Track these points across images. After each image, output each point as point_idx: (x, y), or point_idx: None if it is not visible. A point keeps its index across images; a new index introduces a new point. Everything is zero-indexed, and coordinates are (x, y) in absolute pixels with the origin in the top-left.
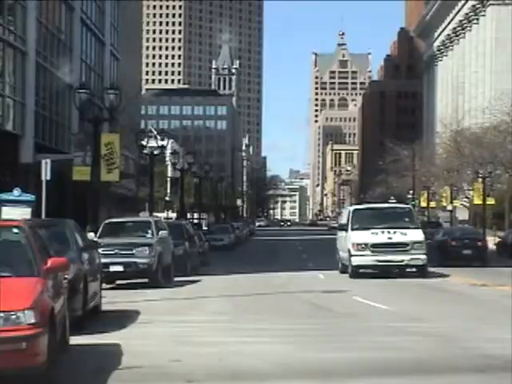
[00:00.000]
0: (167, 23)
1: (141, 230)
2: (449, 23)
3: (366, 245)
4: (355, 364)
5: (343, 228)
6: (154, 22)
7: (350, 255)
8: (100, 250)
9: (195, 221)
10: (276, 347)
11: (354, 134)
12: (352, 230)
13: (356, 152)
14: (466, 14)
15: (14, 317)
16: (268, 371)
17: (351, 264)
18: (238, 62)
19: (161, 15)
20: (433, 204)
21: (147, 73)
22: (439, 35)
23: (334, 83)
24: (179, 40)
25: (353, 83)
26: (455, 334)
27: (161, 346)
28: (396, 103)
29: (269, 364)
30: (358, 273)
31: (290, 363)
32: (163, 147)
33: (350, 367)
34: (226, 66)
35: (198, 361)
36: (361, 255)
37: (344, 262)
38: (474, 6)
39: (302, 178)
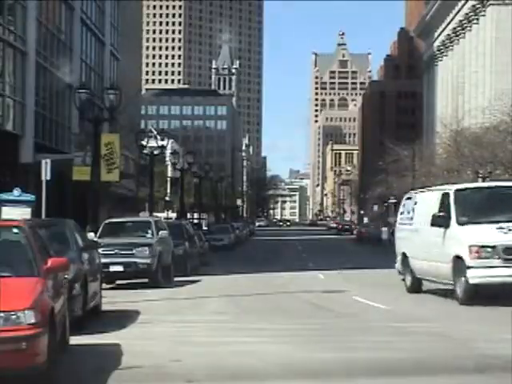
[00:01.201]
0: (167, 23)
1: (141, 230)
2: (449, 23)
3: (493, 248)
4: (355, 364)
5: (437, 222)
6: (154, 22)
7: (465, 267)
8: (100, 250)
9: (195, 221)
10: (276, 347)
11: (354, 134)
12: (460, 223)
13: (356, 152)
14: (466, 14)
15: (14, 317)
16: (268, 371)
17: (466, 281)
18: (237, 62)
19: (161, 15)
20: None
21: (147, 73)
22: (439, 35)
23: (333, 83)
24: (179, 40)
25: (353, 83)
26: (455, 334)
27: (161, 346)
28: (396, 103)
29: (269, 364)
30: (477, 294)
31: (290, 363)
32: (163, 147)
33: (349, 367)
34: (226, 66)
35: (198, 361)
36: (485, 266)
37: (432, 277)
38: (474, 6)
39: (301, 178)
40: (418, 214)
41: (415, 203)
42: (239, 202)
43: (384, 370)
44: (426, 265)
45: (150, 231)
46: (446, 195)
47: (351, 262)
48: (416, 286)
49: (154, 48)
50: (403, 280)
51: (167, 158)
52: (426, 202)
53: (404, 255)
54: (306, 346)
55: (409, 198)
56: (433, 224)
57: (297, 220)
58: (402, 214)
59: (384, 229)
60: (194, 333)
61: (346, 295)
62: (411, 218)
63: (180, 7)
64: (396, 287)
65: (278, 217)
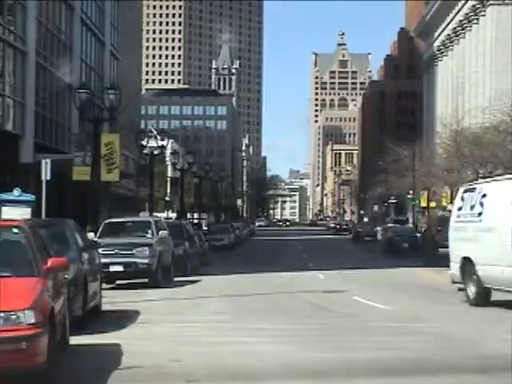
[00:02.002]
0: (167, 23)
1: (141, 230)
2: (449, 23)
3: None
4: (355, 364)
5: None
6: (154, 22)
7: None
8: (100, 250)
9: (195, 221)
10: (276, 347)
11: (354, 134)
12: None
13: (356, 152)
14: (466, 14)
15: (14, 317)
16: (268, 371)
17: None
18: (238, 62)
19: (161, 15)
20: (433, 204)
21: (147, 73)
22: (439, 35)
23: (334, 83)
24: (179, 40)
25: (353, 83)
26: (455, 334)
27: (161, 346)
28: (396, 103)
29: (269, 364)
30: None
31: (290, 363)
32: (163, 147)
33: (349, 367)
34: (226, 66)
35: (198, 361)
36: None
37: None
38: (474, 6)
39: (302, 178)
40: (491, 209)
41: (483, 196)
42: (239, 202)
43: (383, 370)
44: (500, 271)
45: (149, 231)
46: None
47: (350, 262)
48: (482, 298)
49: (153, 48)
50: (461, 290)
51: (167, 158)
52: (503, 193)
53: (467, 260)
54: (305, 346)
55: (471, 190)
56: None
57: (297, 220)
58: (460, 209)
59: (379, 229)
60: (193, 333)
61: (346, 295)
62: (479, 214)
63: (180, 7)
64: (393, 286)
65: (278, 217)
